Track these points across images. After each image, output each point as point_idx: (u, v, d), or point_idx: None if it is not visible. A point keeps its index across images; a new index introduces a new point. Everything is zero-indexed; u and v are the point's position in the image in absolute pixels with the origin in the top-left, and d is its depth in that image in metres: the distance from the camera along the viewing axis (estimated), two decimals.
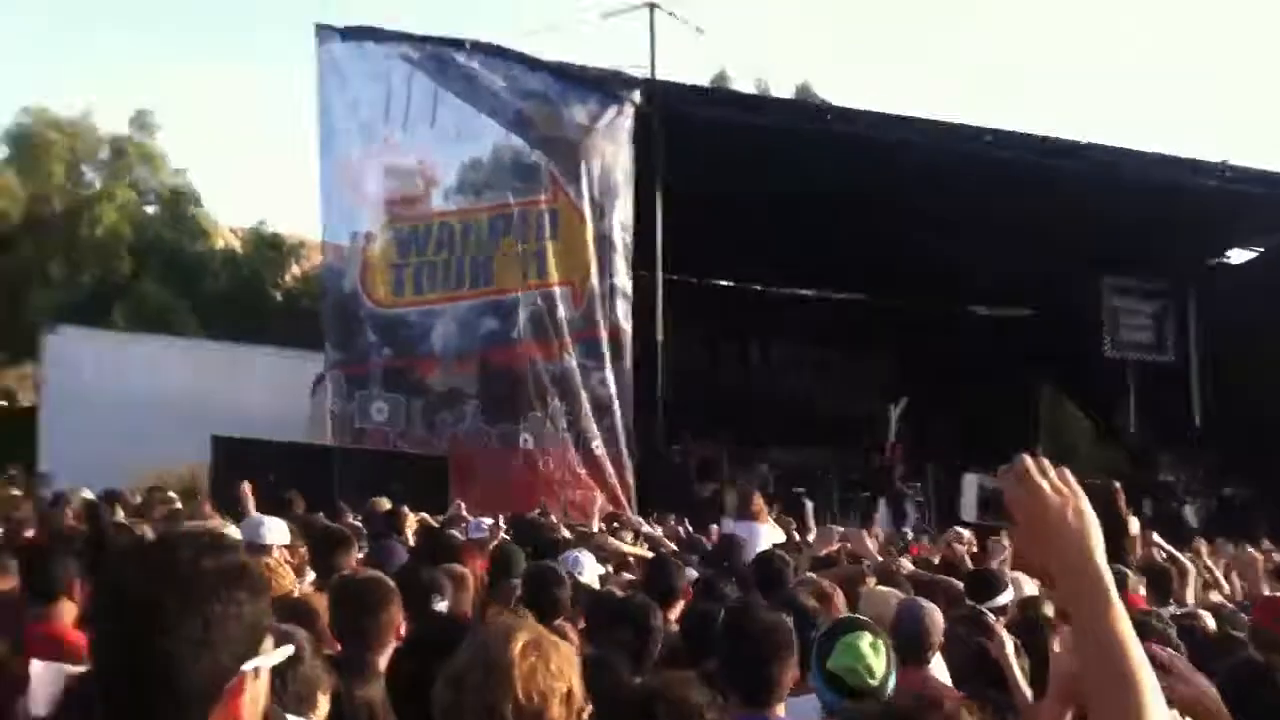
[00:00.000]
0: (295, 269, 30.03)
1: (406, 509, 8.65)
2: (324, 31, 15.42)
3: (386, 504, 9.06)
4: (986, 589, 5.98)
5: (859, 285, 23.37)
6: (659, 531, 9.79)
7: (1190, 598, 7.45)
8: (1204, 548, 10.38)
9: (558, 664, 2.43)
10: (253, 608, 1.60)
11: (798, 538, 9.09)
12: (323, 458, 12.84)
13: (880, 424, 20.66)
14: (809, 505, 10.40)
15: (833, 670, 3.70)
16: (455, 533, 7.88)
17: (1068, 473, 1.74)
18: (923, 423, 21.35)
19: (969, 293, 23.57)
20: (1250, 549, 10.45)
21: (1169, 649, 2.92)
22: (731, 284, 23.98)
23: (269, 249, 30.33)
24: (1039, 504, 1.71)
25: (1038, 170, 16.85)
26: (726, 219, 18.35)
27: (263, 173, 61.22)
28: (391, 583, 4.30)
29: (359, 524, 8.24)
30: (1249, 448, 20.06)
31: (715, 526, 10.50)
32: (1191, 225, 19.61)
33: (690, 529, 10.56)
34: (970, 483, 1.88)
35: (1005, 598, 6.02)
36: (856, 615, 4.36)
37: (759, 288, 24.05)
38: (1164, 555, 8.83)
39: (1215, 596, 8.05)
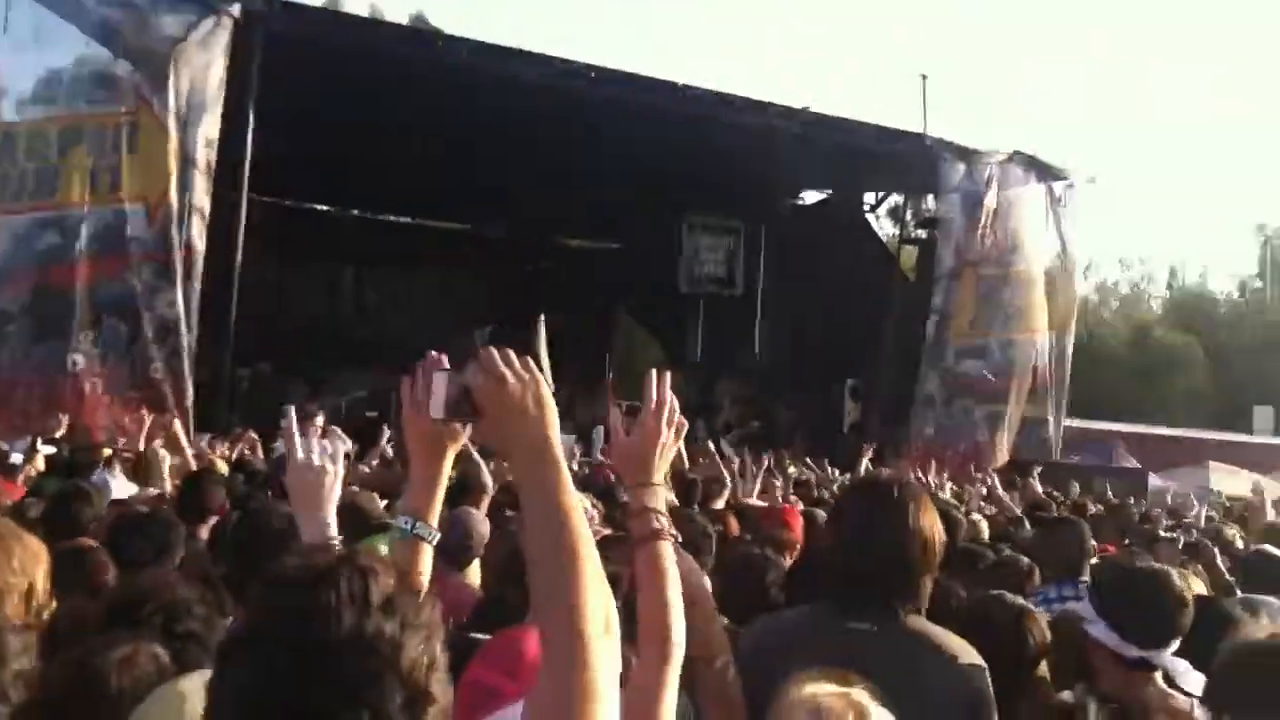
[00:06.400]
0: None
1: None
2: None
3: None
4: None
5: (460, 215, 23.52)
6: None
7: (720, 505, 8.16)
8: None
9: (20, 561, 2.38)
10: None
11: None
12: None
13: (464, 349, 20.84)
14: (386, 431, 10.41)
15: None
16: None
17: (530, 361, 1.88)
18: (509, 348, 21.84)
19: (563, 225, 24.23)
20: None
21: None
22: (326, 208, 23.52)
23: None
24: (504, 392, 1.83)
25: (635, 108, 17.24)
26: (327, 144, 17.88)
27: None
28: None
29: None
30: (800, 375, 21.95)
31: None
32: (771, 167, 20.85)
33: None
34: (440, 380, 1.96)
35: None
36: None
37: (356, 213, 23.72)
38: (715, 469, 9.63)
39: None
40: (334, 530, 2.54)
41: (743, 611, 3.76)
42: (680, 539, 2.32)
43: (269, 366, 17.88)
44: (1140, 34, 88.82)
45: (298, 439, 2.57)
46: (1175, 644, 2.97)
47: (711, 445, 10.97)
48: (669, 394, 2.25)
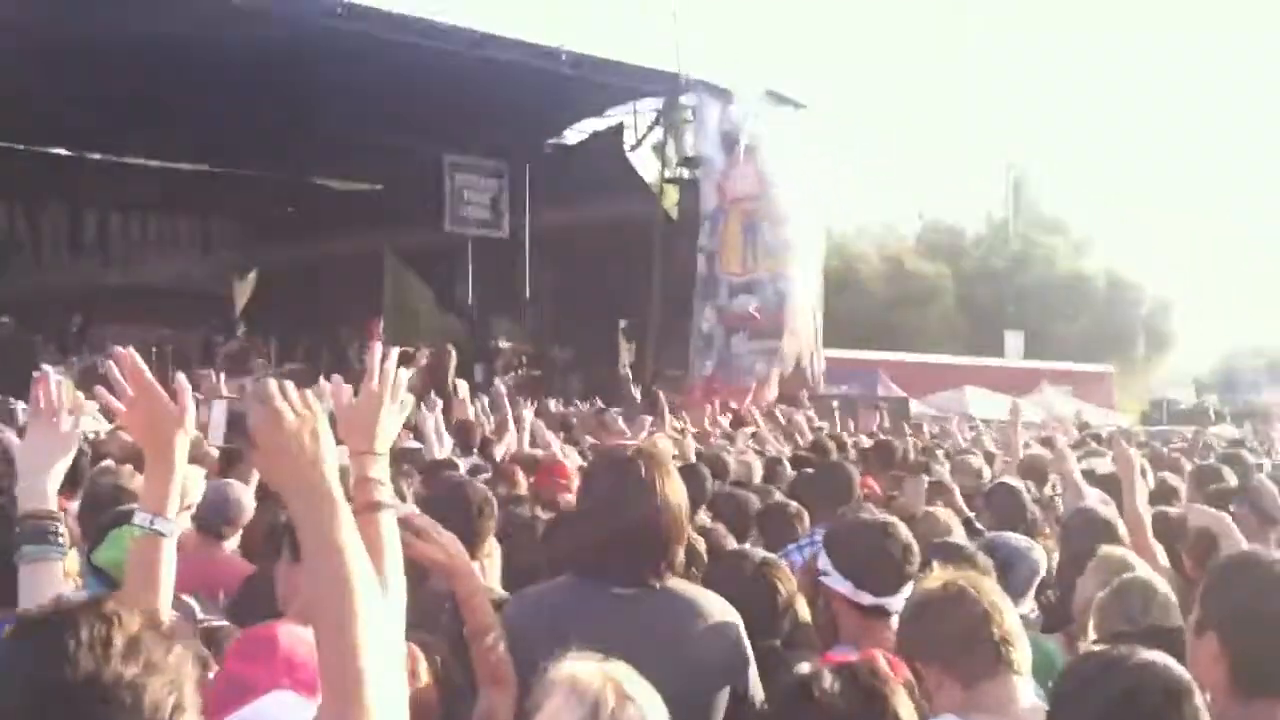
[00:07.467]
0: None
1: None
2: None
3: None
4: None
5: (203, 155, 22.49)
6: None
7: (499, 454, 8.21)
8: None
9: None
10: None
11: None
12: None
13: (224, 300, 20.30)
14: None
15: (100, 565, 3.69)
16: None
17: (309, 395, 1.87)
18: (271, 298, 21.41)
19: (318, 165, 23.54)
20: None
21: (420, 513, 3.18)
22: (63, 152, 22.15)
23: None
24: (279, 426, 1.81)
25: (389, 47, 16.84)
26: (62, 82, 16.69)
27: None
28: None
29: None
30: (572, 317, 22.14)
31: None
32: (532, 107, 20.72)
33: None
34: (219, 407, 1.97)
35: None
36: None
37: (98, 156, 22.40)
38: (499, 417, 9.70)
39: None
40: (52, 501, 2.50)
41: (520, 576, 3.81)
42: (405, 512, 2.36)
43: (11, 322, 16.82)
44: None
45: (44, 400, 2.51)
46: (908, 589, 3.20)
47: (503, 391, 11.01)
48: (391, 367, 2.26)
